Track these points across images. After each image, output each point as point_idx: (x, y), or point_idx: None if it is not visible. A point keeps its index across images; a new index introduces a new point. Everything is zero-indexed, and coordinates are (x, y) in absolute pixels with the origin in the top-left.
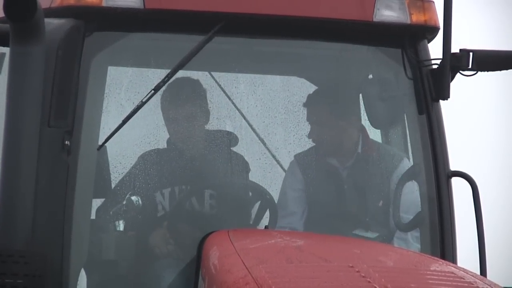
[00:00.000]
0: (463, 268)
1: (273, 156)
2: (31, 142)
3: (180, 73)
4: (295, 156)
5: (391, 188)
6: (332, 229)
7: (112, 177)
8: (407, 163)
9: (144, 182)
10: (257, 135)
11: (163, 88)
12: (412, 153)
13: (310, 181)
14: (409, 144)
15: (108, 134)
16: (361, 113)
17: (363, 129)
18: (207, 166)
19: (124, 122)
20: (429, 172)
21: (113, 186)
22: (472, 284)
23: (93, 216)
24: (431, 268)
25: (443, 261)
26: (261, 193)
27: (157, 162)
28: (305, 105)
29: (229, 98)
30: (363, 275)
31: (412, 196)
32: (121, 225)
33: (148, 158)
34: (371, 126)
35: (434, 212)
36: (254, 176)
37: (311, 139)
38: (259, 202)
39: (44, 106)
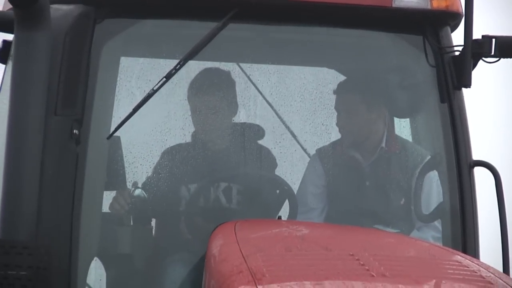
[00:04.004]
0: (470, 257)
1: (304, 150)
2: (36, 131)
3: (209, 64)
4: (316, 150)
5: (413, 185)
6: (352, 224)
7: (127, 168)
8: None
9: (167, 175)
10: (288, 127)
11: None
12: (433, 142)
13: (332, 176)
14: (430, 133)
15: (122, 125)
16: (386, 106)
17: (388, 123)
18: (233, 159)
19: (135, 110)
20: (451, 161)
21: (128, 177)
22: (476, 272)
23: (105, 209)
24: (436, 257)
25: (451, 250)
26: (285, 187)
27: (181, 154)
28: (335, 92)
29: (258, 90)
30: (362, 263)
31: (433, 187)
32: (138, 219)
33: (171, 151)
34: (391, 115)
35: (455, 203)
36: (281, 170)
37: (337, 130)
38: (283, 196)
39: (50, 94)
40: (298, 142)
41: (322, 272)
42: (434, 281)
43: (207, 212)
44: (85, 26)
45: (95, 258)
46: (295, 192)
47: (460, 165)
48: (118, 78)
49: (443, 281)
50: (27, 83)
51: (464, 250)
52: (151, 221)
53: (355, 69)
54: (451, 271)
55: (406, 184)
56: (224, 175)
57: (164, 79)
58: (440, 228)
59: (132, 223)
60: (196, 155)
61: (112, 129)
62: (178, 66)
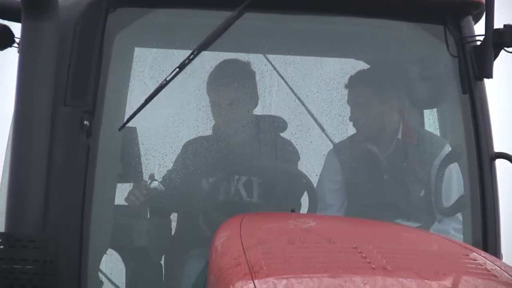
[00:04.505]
0: (479, 251)
1: (331, 141)
2: (43, 121)
3: (228, 55)
4: (333, 146)
5: (432, 176)
6: (372, 219)
7: (143, 161)
8: (449, 149)
9: (186, 168)
10: (315, 119)
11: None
12: (454, 133)
13: (349, 171)
14: (451, 124)
15: (134, 116)
16: (403, 97)
17: (404, 114)
18: (254, 152)
19: (147, 102)
20: (472, 153)
21: (143, 170)
22: (481, 265)
23: (119, 202)
24: (443, 250)
25: (461, 243)
26: (303, 180)
27: (201, 148)
28: (346, 86)
29: (284, 81)
30: (364, 256)
31: (454, 179)
32: (155, 212)
33: (191, 144)
34: (412, 106)
35: (476, 195)
36: (304, 163)
37: (352, 123)
38: (301, 189)
39: (59, 84)
40: (326, 134)
41: (321, 265)
42: (436, 274)
43: (224, 206)
44: (96, 15)
45: (108, 251)
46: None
47: (481, 157)
48: (132, 69)
49: (445, 274)
50: (34, 73)
51: (485, 244)
52: (169, 214)
53: (374, 59)
54: (456, 264)
55: (425, 175)
56: (239, 168)
57: (178, 69)
58: (461, 219)
59: (148, 216)
60: (216, 148)
61: (125, 120)
62: (192, 56)
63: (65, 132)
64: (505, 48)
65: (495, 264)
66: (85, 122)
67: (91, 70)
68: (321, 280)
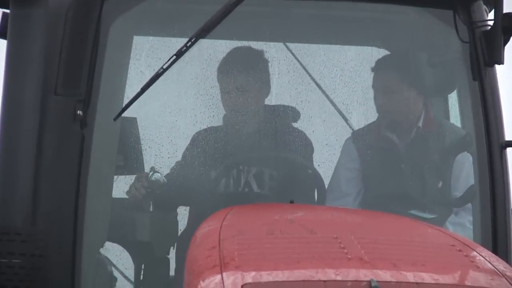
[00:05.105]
0: (469, 241)
1: (351, 127)
2: (33, 111)
3: (239, 43)
4: (352, 133)
5: (450, 168)
6: (387, 209)
7: (146, 152)
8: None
9: (193, 160)
10: (335, 105)
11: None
12: (464, 121)
13: (367, 159)
14: (461, 112)
15: (134, 106)
16: (424, 84)
17: (427, 103)
18: (265, 143)
19: (143, 90)
20: (481, 142)
21: (145, 161)
22: (466, 256)
23: (119, 195)
24: (429, 241)
25: (451, 233)
26: (309, 171)
27: (210, 138)
28: (373, 70)
29: (305, 69)
30: (343, 246)
31: (464, 169)
32: (157, 206)
33: (199, 135)
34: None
35: (485, 186)
36: (318, 153)
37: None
38: (308, 180)
39: (50, 73)
40: (346, 120)
41: (295, 256)
42: (414, 265)
43: (230, 198)
44: (90, 1)
45: (104, 246)
46: (331, 177)
47: (491, 145)
48: (130, 58)
49: (424, 265)
50: (22, 61)
51: (494, 235)
52: (174, 207)
53: (383, 45)
54: (437, 255)
55: (443, 166)
56: (245, 159)
57: (175, 57)
58: None
59: (150, 210)
60: (226, 138)
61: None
62: (189, 43)
63: (56, 122)
64: None
65: (481, 255)
66: (78, 112)
67: (84, 58)
68: (291, 271)
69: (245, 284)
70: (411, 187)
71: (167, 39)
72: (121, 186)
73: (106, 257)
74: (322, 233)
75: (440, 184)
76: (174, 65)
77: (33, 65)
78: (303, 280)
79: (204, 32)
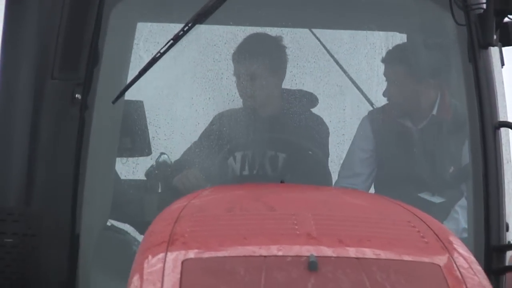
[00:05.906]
0: (429, 218)
1: (371, 104)
2: (28, 94)
3: (254, 29)
4: (368, 112)
5: (463, 153)
6: (398, 192)
7: (152, 134)
8: None
9: (212, 142)
10: (363, 93)
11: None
12: (457, 102)
13: (381, 141)
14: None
15: (137, 90)
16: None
17: (442, 89)
18: (282, 128)
19: (141, 74)
20: (474, 122)
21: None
22: (418, 232)
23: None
24: (387, 218)
25: (416, 211)
26: (309, 152)
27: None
28: (383, 60)
29: (331, 55)
30: (296, 222)
31: (456, 149)
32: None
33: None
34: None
35: (478, 165)
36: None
37: (386, 97)
38: (309, 161)
39: (47, 56)
40: (365, 96)
41: (244, 232)
42: (360, 241)
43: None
44: None
45: (107, 224)
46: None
47: (484, 125)
48: (135, 42)
49: (369, 241)
50: (18, 44)
51: (487, 216)
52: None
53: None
54: (388, 231)
55: (455, 152)
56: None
57: (172, 41)
58: None
59: (159, 191)
60: (242, 122)
61: (125, 94)
62: (186, 28)
63: (54, 105)
64: (509, 15)
65: (433, 231)
66: (76, 95)
67: (83, 42)
68: (235, 247)
69: (186, 259)
70: (422, 171)
71: (170, 25)
72: (129, 168)
73: (108, 238)
74: (282, 211)
75: (451, 170)
76: (185, 49)
77: (30, 48)
78: (244, 256)
79: (200, 16)
